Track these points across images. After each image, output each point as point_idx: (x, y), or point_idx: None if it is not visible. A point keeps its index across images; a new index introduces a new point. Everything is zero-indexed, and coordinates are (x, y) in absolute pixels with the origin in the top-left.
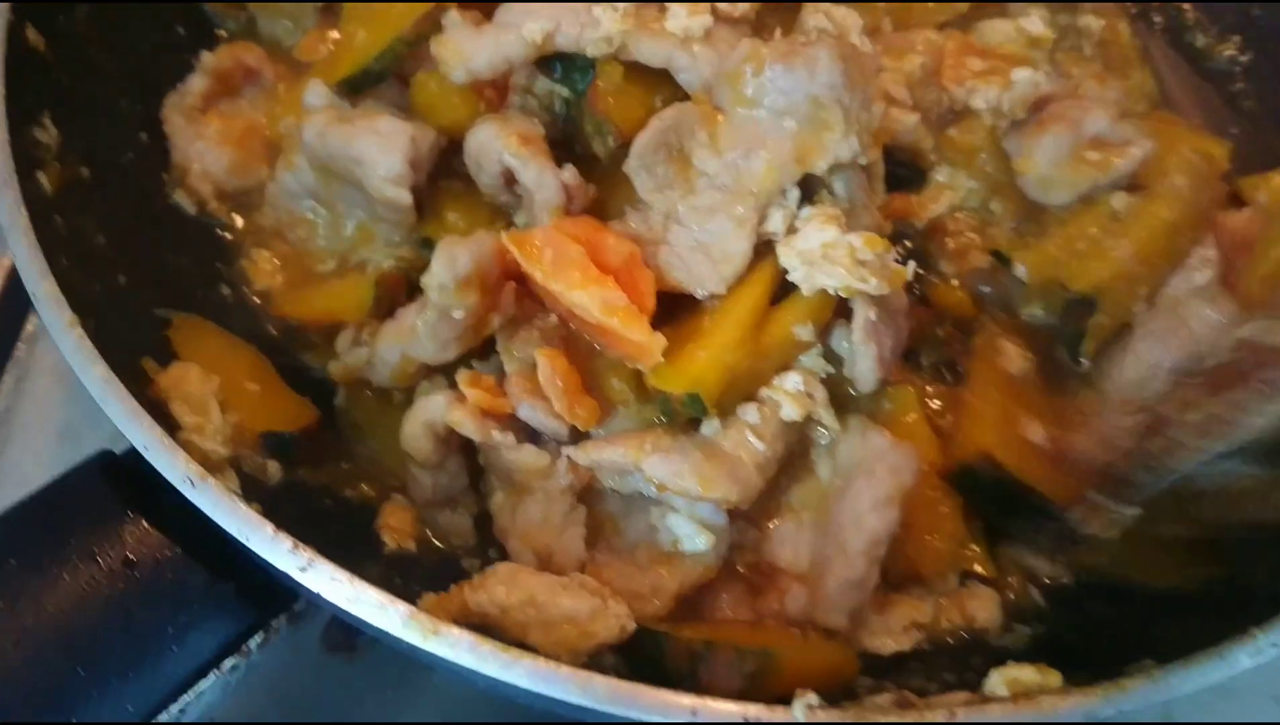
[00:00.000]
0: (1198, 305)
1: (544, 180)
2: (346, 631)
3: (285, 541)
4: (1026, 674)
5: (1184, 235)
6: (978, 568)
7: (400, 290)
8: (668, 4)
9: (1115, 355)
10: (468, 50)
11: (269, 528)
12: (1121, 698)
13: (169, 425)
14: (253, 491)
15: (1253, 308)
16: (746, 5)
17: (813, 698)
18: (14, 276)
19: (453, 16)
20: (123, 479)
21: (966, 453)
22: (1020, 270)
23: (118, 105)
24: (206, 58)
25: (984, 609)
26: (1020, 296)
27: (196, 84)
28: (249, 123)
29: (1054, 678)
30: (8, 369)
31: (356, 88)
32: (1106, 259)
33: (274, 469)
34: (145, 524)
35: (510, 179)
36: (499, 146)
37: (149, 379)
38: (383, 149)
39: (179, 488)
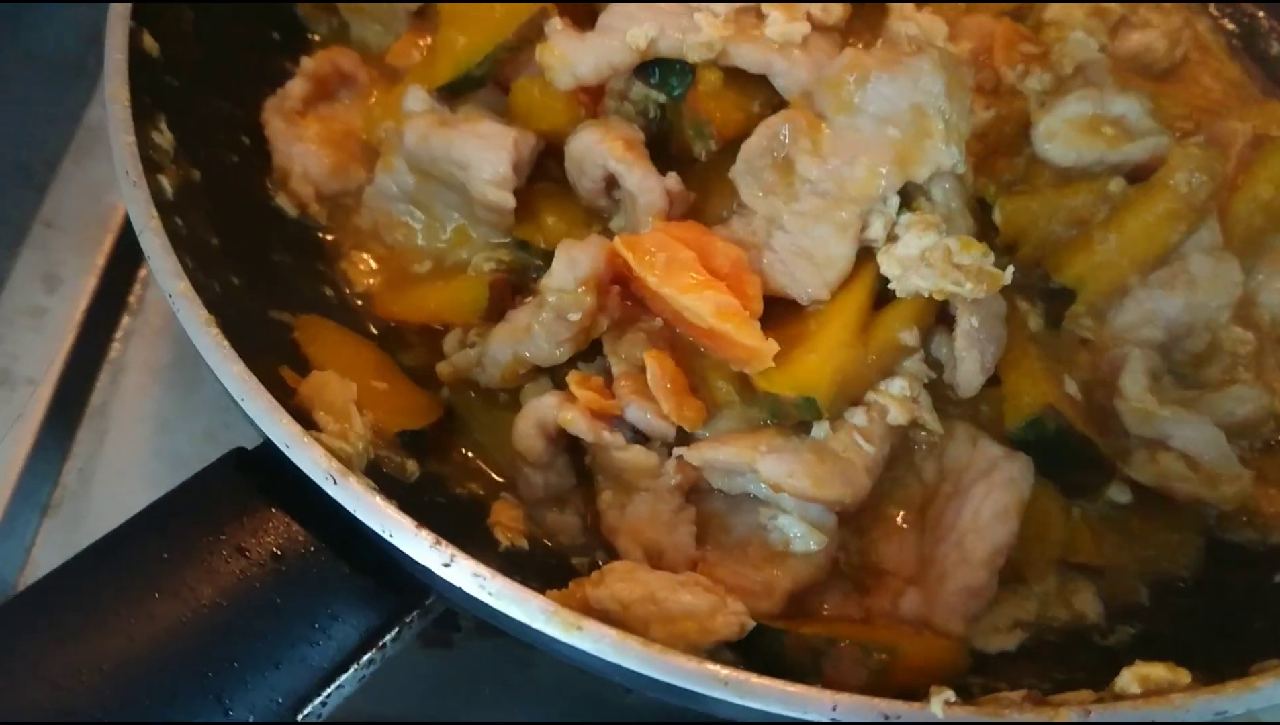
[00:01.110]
0: (1199, 256)
1: (647, 185)
2: (444, 628)
3: (427, 538)
4: (1157, 671)
5: (1175, 230)
6: (1085, 558)
7: (509, 293)
8: (765, 10)
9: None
10: (573, 57)
11: (411, 523)
12: (1253, 696)
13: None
14: (388, 489)
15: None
16: (840, 10)
17: (950, 694)
18: (108, 275)
19: (555, 23)
20: (261, 475)
21: (1031, 409)
22: (996, 215)
23: (221, 108)
24: (305, 62)
25: (1087, 602)
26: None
27: (296, 88)
28: (346, 126)
29: (1184, 675)
30: (104, 366)
31: (456, 92)
32: (1091, 251)
33: (412, 467)
34: (289, 519)
35: (610, 184)
36: (603, 151)
37: (290, 388)
38: (487, 152)
39: (321, 485)
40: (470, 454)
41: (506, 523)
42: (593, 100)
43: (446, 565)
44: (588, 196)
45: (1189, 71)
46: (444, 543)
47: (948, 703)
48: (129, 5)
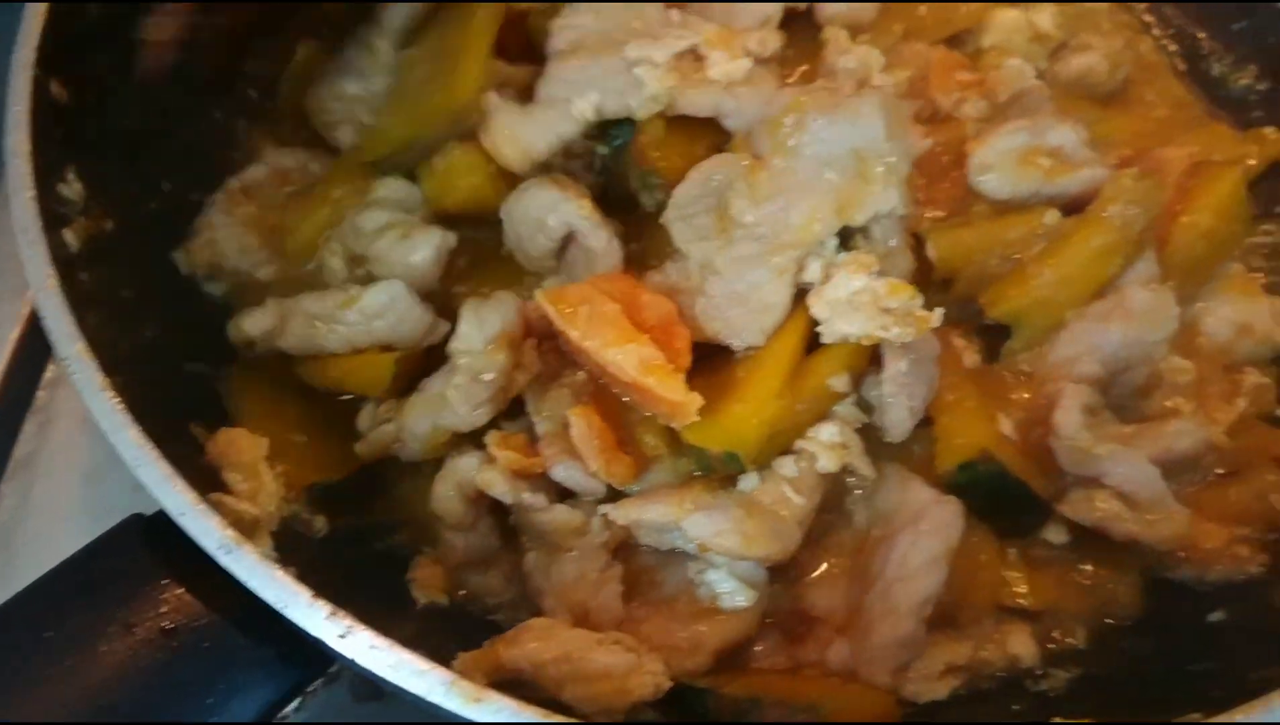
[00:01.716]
0: (1136, 288)
1: (612, 246)
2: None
3: (323, 608)
4: None
5: (1112, 263)
6: (1020, 600)
7: (419, 366)
8: (705, 51)
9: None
10: (524, 136)
11: (306, 594)
12: None
13: (216, 488)
14: (295, 546)
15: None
16: (775, 42)
17: None
18: (32, 323)
19: (493, 98)
20: (158, 542)
21: (966, 452)
22: (930, 250)
23: (140, 154)
24: (274, 155)
25: (1023, 645)
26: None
27: (256, 173)
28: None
29: None
30: (30, 415)
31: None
32: (1027, 286)
33: (320, 523)
34: (182, 590)
35: (564, 242)
36: (570, 210)
37: (199, 446)
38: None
39: (214, 555)
40: (392, 507)
41: (425, 579)
42: None
43: (343, 637)
44: (537, 255)
45: (1134, 93)
46: (341, 613)
47: None
48: (34, 53)
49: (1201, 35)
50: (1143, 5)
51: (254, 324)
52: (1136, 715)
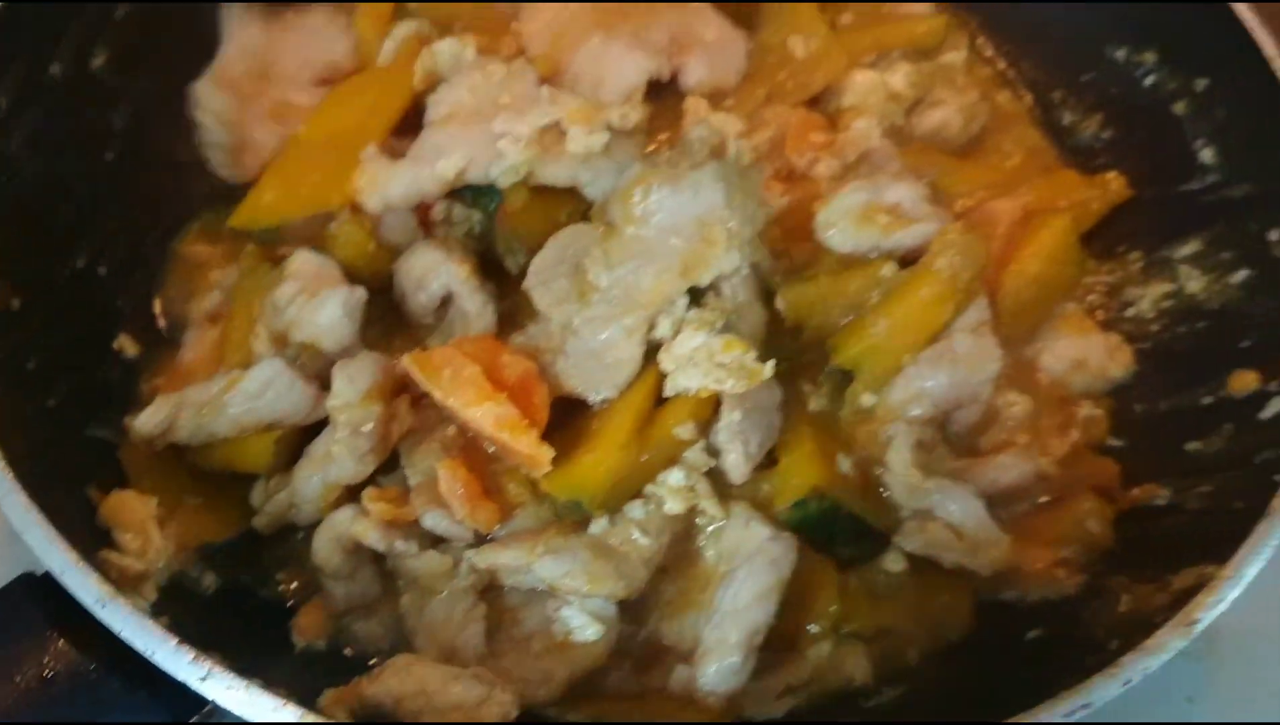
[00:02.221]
0: (963, 334)
1: (487, 310)
2: None
3: (187, 653)
4: None
5: (943, 311)
6: (857, 626)
7: (296, 443)
8: (565, 126)
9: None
10: (384, 182)
11: (173, 641)
12: None
13: (105, 547)
14: (182, 599)
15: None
16: (637, 115)
17: None
18: None
19: (371, 150)
20: (45, 598)
21: (799, 491)
22: (779, 302)
23: (51, 231)
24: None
25: (859, 666)
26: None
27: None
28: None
29: None
30: None
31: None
32: (865, 335)
33: (210, 580)
34: (63, 642)
35: (444, 302)
36: (450, 272)
37: (93, 508)
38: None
39: (91, 609)
40: (280, 561)
41: (305, 625)
42: (424, 217)
43: (203, 679)
44: (417, 311)
45: (991, 142)
46: (203, 657)
47: None
48: None
49: (1053, 86)
50: (1002, 57)
51: (146, 422)
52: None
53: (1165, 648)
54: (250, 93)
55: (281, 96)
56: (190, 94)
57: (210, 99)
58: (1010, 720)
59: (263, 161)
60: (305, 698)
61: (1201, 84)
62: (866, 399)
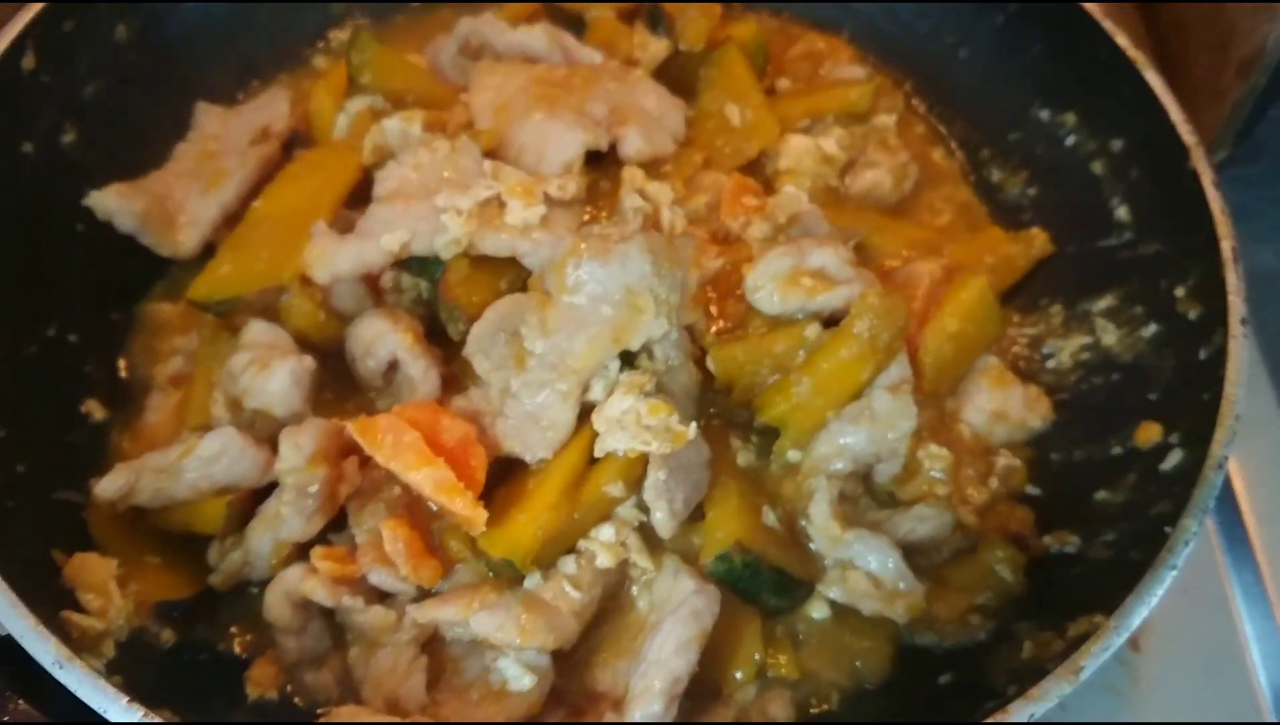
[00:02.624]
0: (881, 392)
1: (430, 376)
2: None
3: (138, 710)
4: None
5: (863, 371)
6: (782, 672)
7: (248, 505)
8: (505, 198)
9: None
10: (331, 256)
11: (124, 699)
12: None
13: (67, 606)
14: (141, 654)
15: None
16: (575, 186)
17: None
18: None
19: (320, 226)
20: (9, 659)
21: (722, 545)
22: (710, 363)
23: (23, 304)
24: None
25: (782, 709)
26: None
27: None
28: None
29: None
30: None
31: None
32: (788, 394)
33: (168, 635)
34: (21, 703)
35: (391, 366)
36: (395, 340)
37: (57, 569)
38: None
39: (49, 670)
40: (235, 616)
41: (259, 678)
42: (373, 285)
43: None
44: (366, 375)
45: (924, 199)
46: (153, 713)
47: None
48: None
49: (982, 145)
50: (935, 117)
51: (108, 488)
52: None
53: (1050, 695)
54: (191, 170)
55: (216, 165)
56: (95, 205)
57: (121, 208)
58: None
59: (203, 234)
60: None
61: (1117, 145)
62: (792, 454)
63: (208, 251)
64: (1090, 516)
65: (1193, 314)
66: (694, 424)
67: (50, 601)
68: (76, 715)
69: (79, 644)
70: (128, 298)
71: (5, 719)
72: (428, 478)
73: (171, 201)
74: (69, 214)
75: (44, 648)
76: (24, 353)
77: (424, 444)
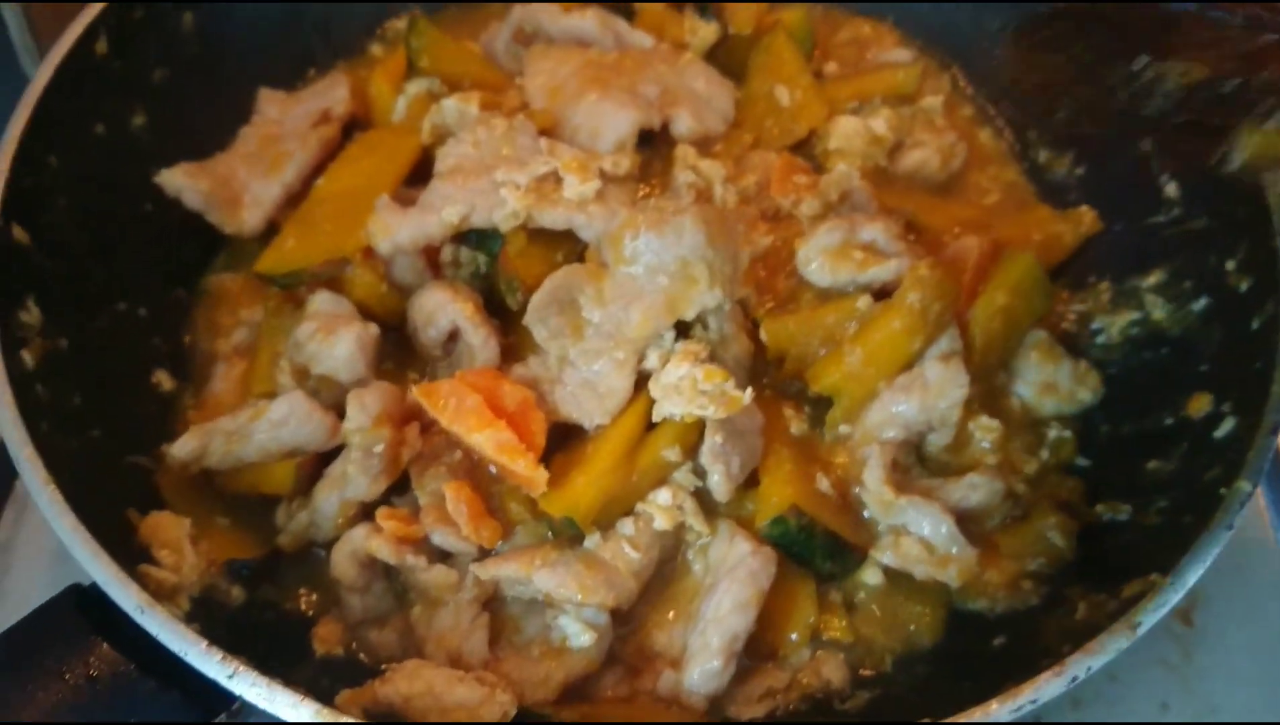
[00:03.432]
0: (933, 362)
1: (490, 344)
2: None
3: (216, 654)
4: None
5: (914, 342)
6: (835, 635)
7: (315, 468)
8: (561, 174)
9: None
10: (393, 228)
11: (203, 644)
12: None
13: (143, 562)
14: (212, 609)
15: (975, 373)
16: (629, 162)
17: None
18: None
19: (384, 200)
20: (90, 607)
21: (777, 508)
22: (762, 335)
23: (95, 279)
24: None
25: (836, 671)
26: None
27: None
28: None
29: None
30: (9, 504)
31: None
32: (841, 364)
33: (237, 593)
34: (106, 645)
35: (451, 336)
36: (456, 310)
37: (133, 528)
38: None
39: (131, 615)
40: (302, 578)
41: (325, 635)
42: (432, 260)
43: (230, 677)
44: (427, 344)
45: (970, 179)
46: (230, 658)
47: None
48: None
49: (1029, 125)
50: (984, 98)
51: (180, 450)
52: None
53: (1107, 649)
54: (254, 153)
55: (278, 148)
56: (164, 183)
57: (188, 186)
58: (963, 718)
59: (266, 213)
60: (323, 697)
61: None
62: (844, 424)
63: (270, 231)
64: (1141, 485)
65: (1243, 286)
66: (749, 389)
67: (127, 556)
68: (155, 659)
69: (156, 595)
70: (193, 275)
71: (90, 661)
72: (490, 439)
73: (236, 182)
74: (138, 194)
75: (126, 594)
76: (95, 325)
77: (486, 407)
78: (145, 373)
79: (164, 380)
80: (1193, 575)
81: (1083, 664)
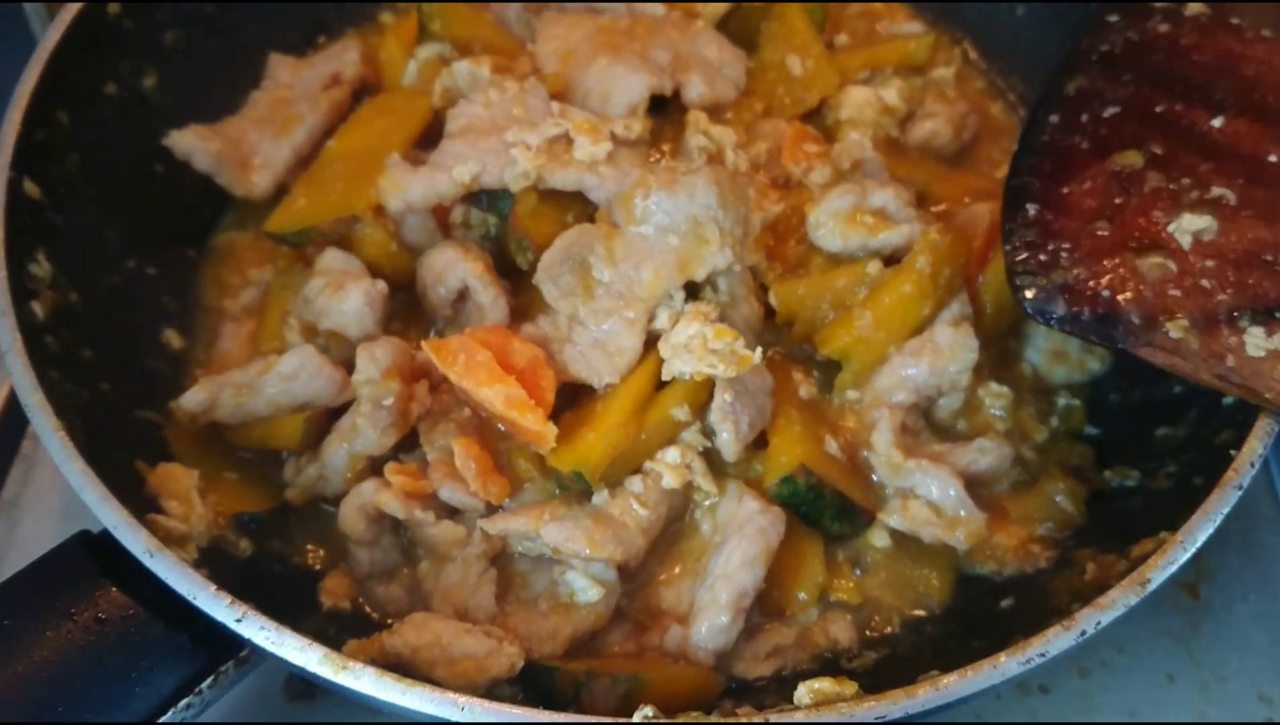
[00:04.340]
0: (944, 327)
1: (499, 302)
2: (306, 681)
3: (225, 598)
4: (826, 685)
5: (924, 306)
6: (843, 596)
7: (323, 423)
8: (573, 135)
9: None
10: (405, 186)
11: (212, 588)
12: (909, 702)
13: (152, 511)
14: (220, 561)
15: (986, 339)
16: (640, 126)
17: (649, 710)
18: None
19: (395, 158)
20: (99, 552)
21: (786, 468)
22: (772, 298)
23: (106, 237)
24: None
25: (844, 631)
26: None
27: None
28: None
29: (850, 687)
30: (16, 461)
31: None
32: (850, 328)
33: (245, 545)
34: (114, 589)
35: (460, 296)
36: (466, 269)
37: (142, 478)
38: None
39: (140, 558)
40: (310, 533)
41: (333, 588)
42: (442, 221)
43: (239, 620)
44: (436, 303)
45: (982, 151)
46: (239, 603)
47: (646, 716)
48: (9, 157)
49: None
50: (995, 71)
51: (190, 400)
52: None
53: (1116, 604)
54: (265, 116)
55: (288, 110)
56: (174, 144)
57: (198, 148)
58: (970, 671)
59: (276, 175)
60: (330, 646)
61: None
62: (853, 389)
63: (279, 194)
64: (1151, 451)
65: None
66: (759, 349)
67: (136, 504)
68: (164, 603)
69: (165, 542)
70: (203, 235)
71: (100, 603)
72: (499, 394)
73: (246, 144)
74: (148, 154)
75: (135, 538)
76: (106, 283)
77: (495, 363)
78: (155, 330)
79: (173, 339)
80: (1202, 533)
81: (1092, 619)
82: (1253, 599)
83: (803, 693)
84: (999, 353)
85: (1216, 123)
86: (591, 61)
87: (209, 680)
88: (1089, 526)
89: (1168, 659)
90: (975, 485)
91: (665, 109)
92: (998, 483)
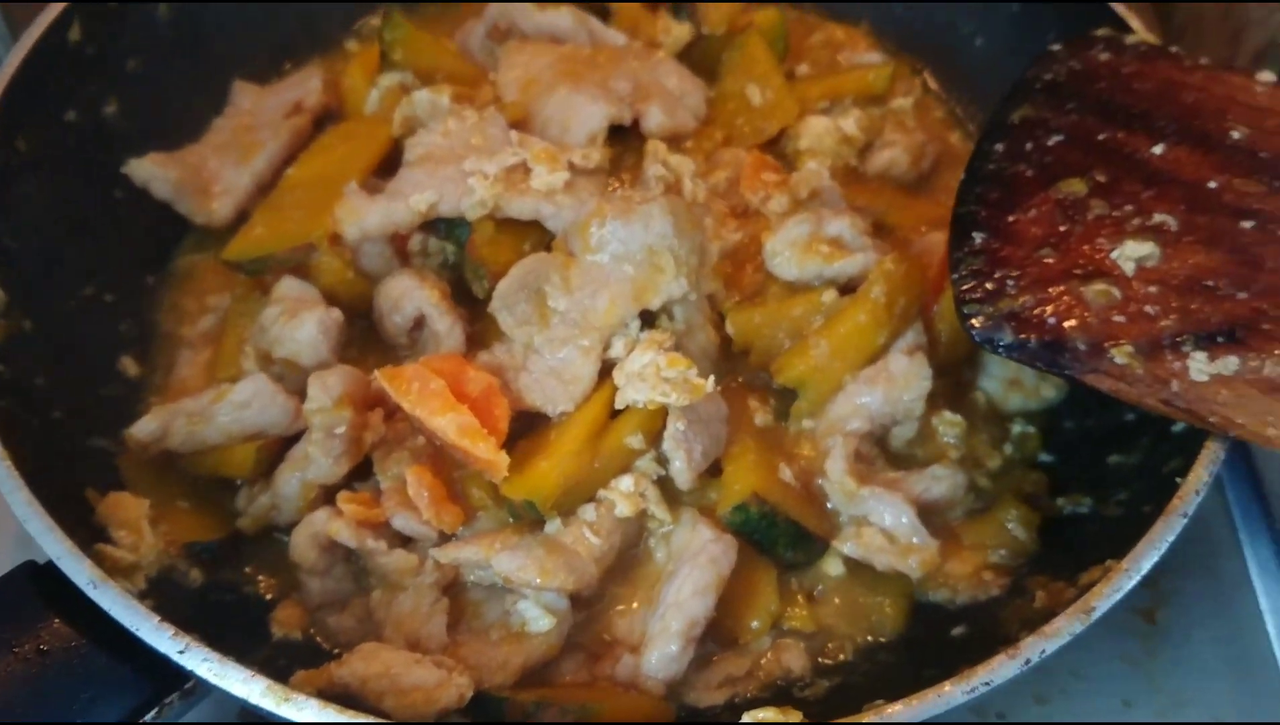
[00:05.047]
0: (898, 356)
1: (455, 331)
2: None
3: (168, 629)
4: (771, 714)
5: (879, 335)
6: (797, 624)
7: (276, 452)
8: (531, 164)
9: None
10: (361, 213)
11: (155, 619)
12: None
13: (101, 541)
14: (170, 591)
15: (940, 368)
16: (599, 155)
17: None
18: None
19: (352, 186)
20: (44, 583)
21: (739, 496)
22: (729, 327)
23: (63, 263)
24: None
25: (796, 659)
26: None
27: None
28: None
29: (795, 716)
30: None
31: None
32: (806, 356)
33: (196, 574)
34: (58, 621)
35: (417, 324)
36: (423, 296)
37: (92, 507)
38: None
39: (84, 590)
40: (262, 562)
41: (284, 618)
42: (401, 248)
43: (181, 652)
44: (393, 331)
45: (940, 180)
46: (182, 634)
47: None
48: None
49: None
50: (955, 101)
51: (142, 429)
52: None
53: (1062, 633)
54: (226, 143)
55: (250, 137)
56: (133, 172)
57: (157, 175)
58: (915, 700)
59: (236, 202)
60: (278, 676)
61: None
62: (808, 417)
63: (240, 221)
64: (1104, 479)
65: None
66: (712, 377)
67: (83, 534)
68: (108, 635)
69: (111, 572)
70: (162, 262)
71: (42, 635)
72: (452, 423)
73: (206, 171)
74: (108, 181)
75: (79, 568)
76: (63, 308)
77: (449, 391)
78: (112, 357)
79: (129, 366)
80: (1148, 561)
81: (1037, 647)
82: (1210, 624)
83: (748, 721)
84: (954, 381)
85: (1158, 150)
86: (552, 90)
87: (153, 712)
88: (1042, 553)
89: (1125, 685)
90: (929, 512)
91: (626, 137)
92: (951, 510)
